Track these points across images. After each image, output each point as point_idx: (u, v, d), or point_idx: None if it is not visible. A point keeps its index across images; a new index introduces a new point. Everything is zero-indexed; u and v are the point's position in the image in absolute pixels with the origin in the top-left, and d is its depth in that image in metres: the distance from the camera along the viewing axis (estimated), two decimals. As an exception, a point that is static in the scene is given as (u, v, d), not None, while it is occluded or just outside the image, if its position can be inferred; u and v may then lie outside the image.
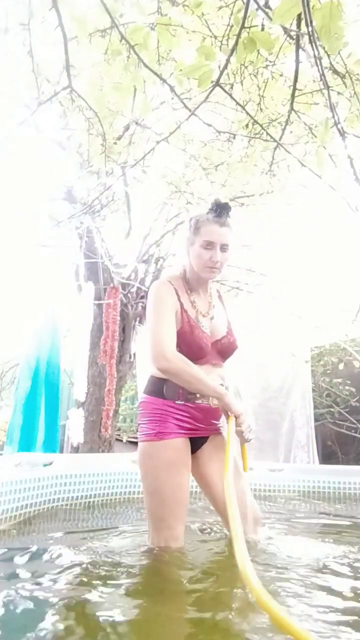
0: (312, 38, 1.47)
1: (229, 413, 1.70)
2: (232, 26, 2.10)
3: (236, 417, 1.68)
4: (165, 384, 1.75)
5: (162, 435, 1.71)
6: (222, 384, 1.77)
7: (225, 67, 1.76)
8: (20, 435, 5.35)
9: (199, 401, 1.76)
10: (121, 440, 8.08)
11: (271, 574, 1.50)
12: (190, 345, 1.71)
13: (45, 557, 1.82)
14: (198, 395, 1.75)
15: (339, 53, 2.05)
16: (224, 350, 1.82)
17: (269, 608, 0.91)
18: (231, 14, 2.21)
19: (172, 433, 1.72)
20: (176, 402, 1.74)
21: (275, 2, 1.62)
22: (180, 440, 1.73)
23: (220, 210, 1.71)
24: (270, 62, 2.67)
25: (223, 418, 1.83)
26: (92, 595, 1.35)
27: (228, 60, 1.74)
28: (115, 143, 3.45)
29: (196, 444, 1.81)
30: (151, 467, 1.72)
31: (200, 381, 1.64)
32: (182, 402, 1.74)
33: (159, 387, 1.77)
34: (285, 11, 1.39)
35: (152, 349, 1.67)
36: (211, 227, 1.71)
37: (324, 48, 1.55)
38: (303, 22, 1.48)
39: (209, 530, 2.16)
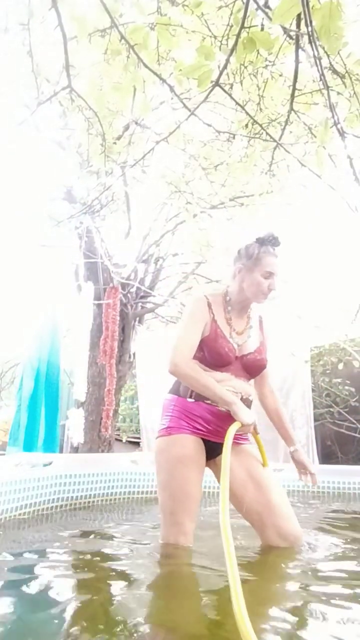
0: (311, 38, 1.46)
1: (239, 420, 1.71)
2: (231, 26, 2.10)
3: (243, 425, 1.70)
4: (182, 384, 1.86)
5: (172, 430, 1.80)
6: (237, 393, 1.81)
7: (225, 67, 1.76)
8: (24, 435, 5.35)
9: (209, 402, 1.80)
10: (121, 440, 8.08)
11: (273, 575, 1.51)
12: (211, 351, 1.82)
13: (46, 557, 1.82)
14: None
15: (338, 53, 2.05)
16: (249, 365, 1.89)
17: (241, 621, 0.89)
18: (231, 14, 2.21)
19: (182, 429, 1.79)
20: (188, 399, 1.83)
21: (275, 2, 1.61)
22: (189, 437, 1.79)
23: (276, 242, 1.89)
24: (269, 62, 2.67)
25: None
26: (95, 594, 1.35)
27: (228, 60, 1.73)
28: (114, 143, 3.45)
29: (214, 449, 1.83)
30: (162, 462, 1.80)
31: (207, 387, 1.73)
32: (193, 400, 1.82)
33: (177, 387, 1.89)
34: (285, 11, 1.39)
35: (169, 355, 1.78)
36: (272, 259, 1.87)
37: (323, 48, 1.55)
38: (303, 22, 1.48)
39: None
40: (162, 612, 1.26)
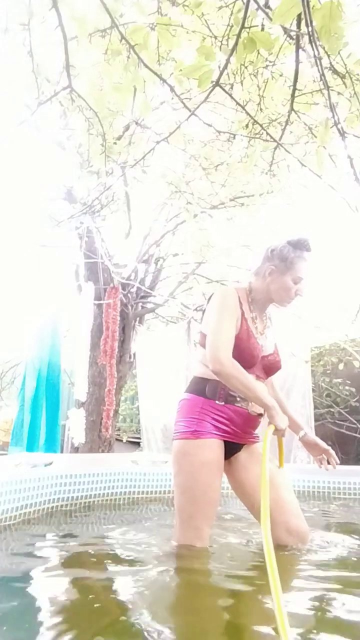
0: (312, 38, 1.47)
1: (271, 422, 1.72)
2: (232, 26, 2.10)
3: (277, 429, 1.70)
4: (208, 384, 1.79)
5: (199, 434, 1.73)
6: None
7: (225, 67, 1.76)
8: (27, 435, 5.36)
9: (239, 404, 1.78)
10: (121, 440, 8.09)
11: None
12: (244, 351, 1.76)
13: (47, 558, 1.82)
14: (238, 399, 1.78)
15: (339, 53, 2.05)
16: (269, 366, 1.88)
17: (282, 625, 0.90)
18: (231, 14, 2.21)
19: (209, 433, 1.74)
20: (216, 402, 1.77)
21: (275, 2, 1.61)
22: (215, 441, 1.75)
23: (310, 247, 1.87)
24: (270, 62, 2.67)
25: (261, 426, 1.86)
26: (99, 596, 1.35)
27: (228, 60, 1.73)
28: (115, 143, 3.44)
29: (231, 450, 1.82)
30: (185, 465, 1.74)
31: (249, 389, 1.68)
32: (222, 403, 1.77)
33: (202, 387, 1.81)
34: (285, 11, 1.39)
35: (209, 351, 1.70)
36: (304, 264, 1.86)
37: (324, 48, 1.55)
38: (303, 22, 1.48)
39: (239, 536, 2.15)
40: (180, 618, 1.23)
